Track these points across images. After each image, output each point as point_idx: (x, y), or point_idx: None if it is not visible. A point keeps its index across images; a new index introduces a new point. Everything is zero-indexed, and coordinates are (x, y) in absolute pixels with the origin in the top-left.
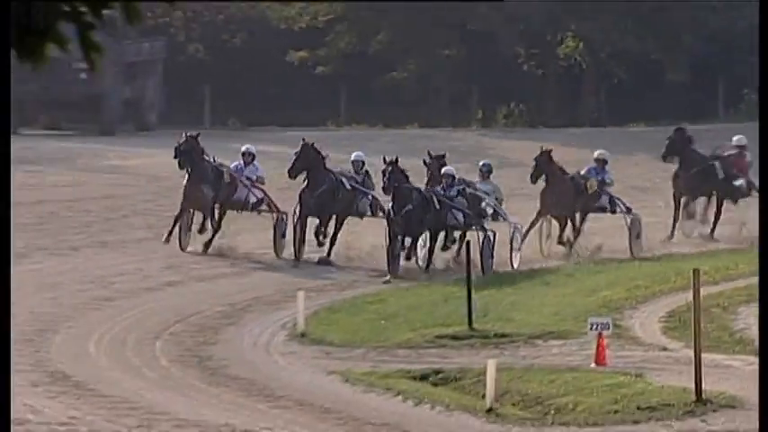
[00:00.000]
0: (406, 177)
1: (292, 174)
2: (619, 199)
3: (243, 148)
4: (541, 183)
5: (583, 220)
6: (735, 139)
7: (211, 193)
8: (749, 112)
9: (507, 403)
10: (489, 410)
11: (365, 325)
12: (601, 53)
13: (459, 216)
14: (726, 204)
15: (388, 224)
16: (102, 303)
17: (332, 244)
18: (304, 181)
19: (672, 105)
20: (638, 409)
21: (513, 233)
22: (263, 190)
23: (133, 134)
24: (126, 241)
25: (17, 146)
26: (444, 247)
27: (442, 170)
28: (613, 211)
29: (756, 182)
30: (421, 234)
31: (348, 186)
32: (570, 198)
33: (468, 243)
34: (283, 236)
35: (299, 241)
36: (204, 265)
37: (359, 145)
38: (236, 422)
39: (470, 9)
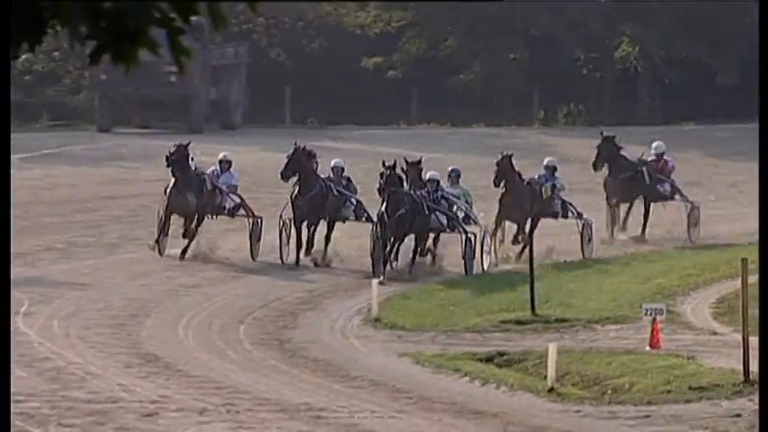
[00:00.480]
0: (401, 182)
1: (284, 176)
2: (570, 204)
3: (220, 156)
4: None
5: (536, 224)
6: (654, 145)
7: (195, 200)
8: None
9: (567, 383)
10: (550, 390)
11: (434, 310)
12: (655, 57)
13: (444, 219)
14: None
15: (379, 227)
16: (190, 290)
17: (326, 245)
18: (295, 186)
19: (721, 105)
20: (690, 389)
21: (483, 236)
22: (239, 195)
23: (219, 132)
24: (212, 232)
25: (112, 143)
26: (423, 253)
27: (428, 175)
28: (565, 216)
29: (674, 185)
30: (407, 236)
31: (335, 191)
32: (527, 203)
33: (531, 237)
34: (258, 239)
35: (299, 245)
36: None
37: (428, 143)
38: (313, 401)
39: (533, 16)
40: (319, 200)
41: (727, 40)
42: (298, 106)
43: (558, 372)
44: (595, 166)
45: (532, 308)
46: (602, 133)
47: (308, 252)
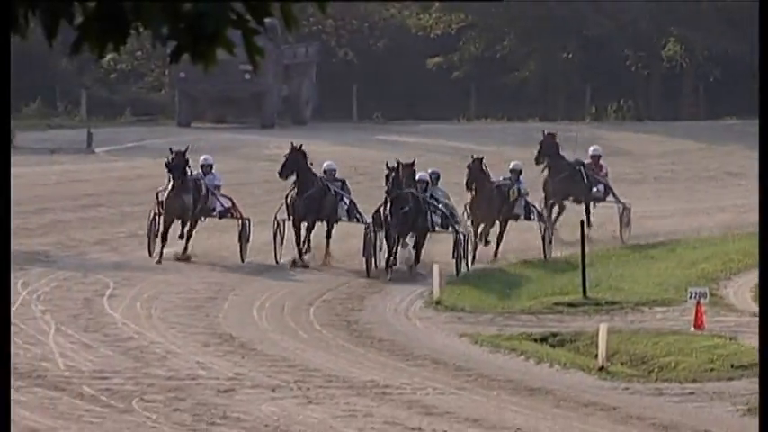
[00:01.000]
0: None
1: (282, 175)
2: (534, 206)
3: (201, 160)
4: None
5: (505, 226)
6: (591, 148)
7: (192, 203)
8: None
9: (617, 362)
10: (601, 369)
11: (492, 294)
12: (699, 55)
13: (437, 219)
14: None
15: (384, 227)
16: (264, 274)
17: (328, 244)
18: (293, 186)
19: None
20: (732, 367)
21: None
22: (229, 198)
23: (290, 127)
24: (285, 219)
25: (191, 137)
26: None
27: (417, 176)
28: (528, 218)
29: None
30: (408, 235)
31: (333, 191)
32: (496, 206)
33: (583, 223)
34: (247, 240)
35: (299, 244)
36: (355, 243)
37: (485, 137)
38: (379, 378)
39: (586, 17)
40: (317, 200)
41: None
42: (364, 102)
43: (607, 351)
44: (537, 161)
45: (584, 291)
46: (544, 131)
47: (306, 252)
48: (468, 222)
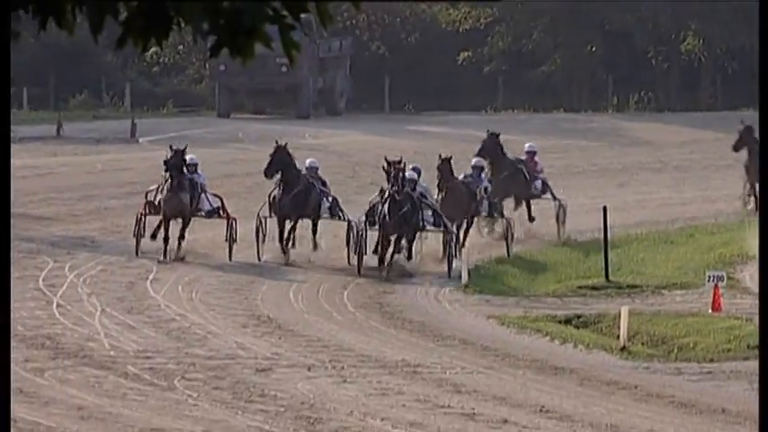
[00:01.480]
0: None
1: (268, 174)
2: (498, 205)
3: (187, 159)
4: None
5: (471, 222)
6: (527, 145)
7: (188, 202)
8: None
9: (638, 343)
10: (623, 349)
11: (518, 278)
12: (717, 49)
13: (430, 218)
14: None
15: (381, 226)
16: (300, 258)
17: (314, 240)
18: (278, 184)
19: None
20: (748, 347)
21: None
22: (219, 197)
23: (325, 118)
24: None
25: (230, 127)
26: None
27: (406, 175)
28: (491, 216)
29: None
30: (407, 234)
31: (317, 188)
32: (466, 204)
33: (606, 209)
34: (235, 240)
35: (282, 242)
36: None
37: (512, 127)
38: (409, 358)
39: (608, 12)
40: (303, 198)
41: None
42: (396, 94)
43: (629, 332)
44: (481, 157)
45: (606, 275)
46: (488, 131)
47: (291, 247)
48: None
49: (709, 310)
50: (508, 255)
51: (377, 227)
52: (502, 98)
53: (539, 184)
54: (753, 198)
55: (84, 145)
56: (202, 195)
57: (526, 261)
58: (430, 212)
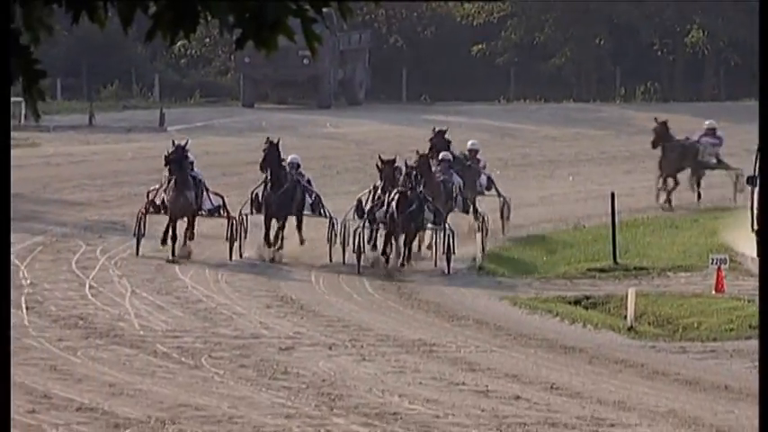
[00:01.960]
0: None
1: (265, 168)
2: (472, 202)
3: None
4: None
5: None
6: (469, 143)
7: (194, 199)
8: None
9: (644, 323)
10: (630, 329)
11: (530, 260)
12: (720, 42)
13: (430, 216)
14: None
15: (389, 223)
16: (321, 242)
17: (300, 235)
18: (265, 181)
19: None
20: (750, 327)
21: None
22: (221, 195)
23: (345, 108)
24: (338, 193)
25: (254, 117)
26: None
27: (403, 172)
28: (466, 212)
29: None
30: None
31: (302, 185)
32: (443, 201)
33: (614, 195)
34: (236, 239)
35: (269, 239)
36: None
37: (524, 117)
38: (426, 337)
39: (616, 6)
40: (290, 196)
41: None
42: (413, 85)
43: (636, 312)
44: (430, 157)
45: (614, 258)
46: (434, 129)
47: (280, 248)
48: None
49: (713, 292)
50: (483, 250)
51: (377, 224)
52: (514, 89)
53: (484, 180)
54: (665, 193)
55: (114, 134)
56: (204, 193)
57: (537, 244)
58: (431, 211)
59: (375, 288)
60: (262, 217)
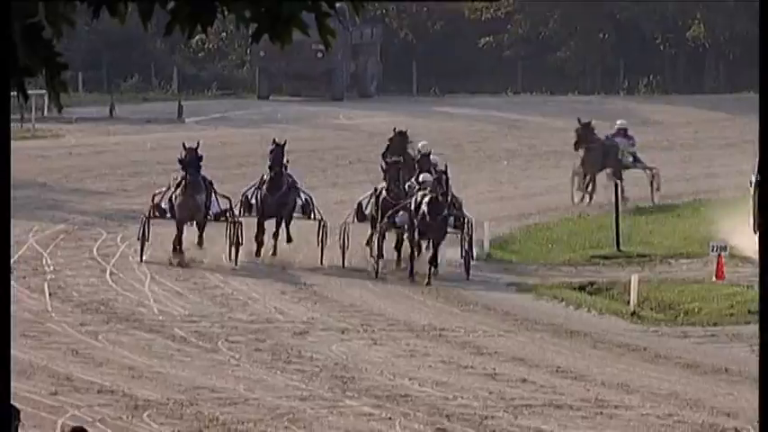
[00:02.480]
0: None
1: (273, 170)
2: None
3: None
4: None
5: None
6: (420, 144)
7: (203, 203)
8: None
9: (647, 308)
10: (633, 314)
11: (536, 248)
12: (720, 36)
13: (451, 220)
14: None
15: (420, 228)
16: (334, 230)
17: (288, 232)
18: (262, 183)
19: None
20: (749, 312)
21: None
22: (228, 198)
23: (357, 100)
24: (351, 182)
25: (269, 108)
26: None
27: (420, 177)
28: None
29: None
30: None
31: (295, 187)
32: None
33: (617, 185)
34: (240, 243)
35: (261, 240)
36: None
37: (530, 108)
38: (435, 322)
39: (619, 1)
40: (285, 198)
41: None
42: (423, 78)
43: (638, 298)
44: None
45: (617, 245)
46: (395, 129)
47: (273, 254)
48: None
49: (713, 278)
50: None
51: (402, 229)
52: (521, 81)
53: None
54: (586, 194)
55: (134, 125)
56: (212, 196)
57: (543, 232)
58: (454, 215)
59: (386, 275)
60: (255, 218)
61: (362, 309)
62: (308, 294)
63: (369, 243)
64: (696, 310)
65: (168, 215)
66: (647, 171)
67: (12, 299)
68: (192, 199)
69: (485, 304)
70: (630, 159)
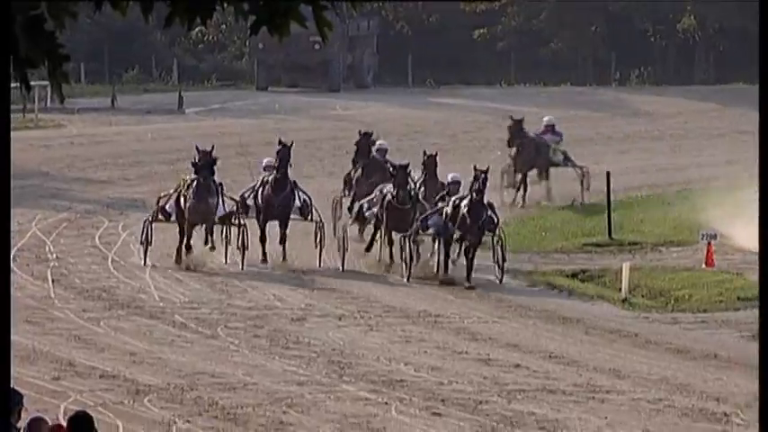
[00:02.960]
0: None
1: (279, 171)
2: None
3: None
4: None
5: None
6: (378, 142)
7: (215, 206)
8: None
9: (638, 295)
10: (624, 300)
11: (529, 235)
12: (710, 28)
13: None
14: None
15: (461, 230)
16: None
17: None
18: (264, 184)
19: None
20: (738, 299)
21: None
22: (235, 201)
23: (353, 91)
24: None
25: (268, 99)
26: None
27: (449, 177)
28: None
29: None
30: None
31: (299, 189)
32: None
33: (609, 174)
34: (247, 248)
35: (265, 241)
36: None
37: (524, 99)
38: (431, 309)
39: None
40: (288, 200)
41: None
42: (418, 69)
43: (630, 285)
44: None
45: (609, 233)
46: (360, 131)
47: (284, 258)
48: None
49: (703, 266)
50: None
51: (439, 233)
52: (514, 73)
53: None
54: (518, 193)
55: (135, 115)
56: (221, 199)
57: (536, 221)
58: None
59: (382, 262)
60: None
61: (359, 296)
62: (304, 282)
63: (369, 248)
64: (686, 296)
65: (173, 218)
66: (577, 170)
67: (15, 286)
68: (205, 202)
69: (479, 291)
70: (561, 158)
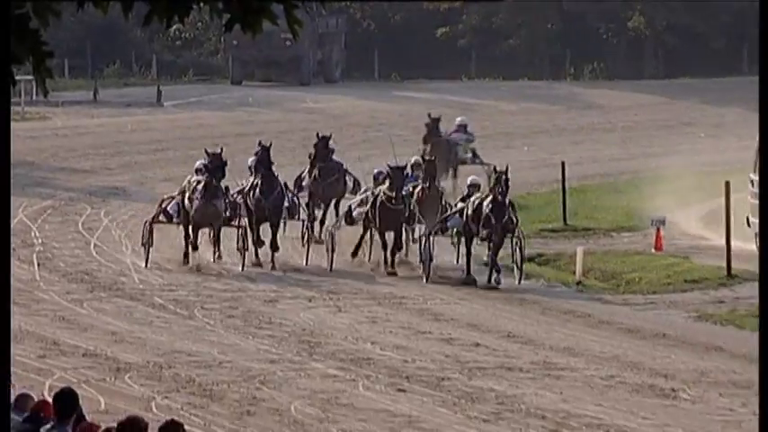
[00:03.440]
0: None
1: (257, 172)
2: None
3: (197, 164)
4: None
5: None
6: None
7: (223, 207)
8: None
9: (591, 277)
10: (578, 283)
11: None
12: (659, 26)
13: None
14: None
15: (485, 228)
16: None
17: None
18: (255, 186)
19: (711, 64)
20: (685, 281)
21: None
22: (237, 203)
23: (323, 85)
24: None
25: (241, 93)
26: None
27: (468, 180)
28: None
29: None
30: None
31: (289, 189)
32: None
33: (564, 163)
34: (246, 249)
35: (258, 243)
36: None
37: (483, 93)
38: (396, 291)
39: None
40: (279, 201)
41: (717, 13)
42: (384, 65)
43: (583, 269)
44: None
45: (564, 219)
46: (317, 134)
47: (276, 251)
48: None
49: (652, 250)
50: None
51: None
52: (474, 68)
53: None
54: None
55: (116, 108)
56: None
57: None
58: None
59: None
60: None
61: (327, 279)
62: (277, 265)
63: (356, 251)
64: (637, 279)
65: (176, 220)
66: (485, 167)
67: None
68: (213, 205)
69: (441, 275)
70: (470, 155)
